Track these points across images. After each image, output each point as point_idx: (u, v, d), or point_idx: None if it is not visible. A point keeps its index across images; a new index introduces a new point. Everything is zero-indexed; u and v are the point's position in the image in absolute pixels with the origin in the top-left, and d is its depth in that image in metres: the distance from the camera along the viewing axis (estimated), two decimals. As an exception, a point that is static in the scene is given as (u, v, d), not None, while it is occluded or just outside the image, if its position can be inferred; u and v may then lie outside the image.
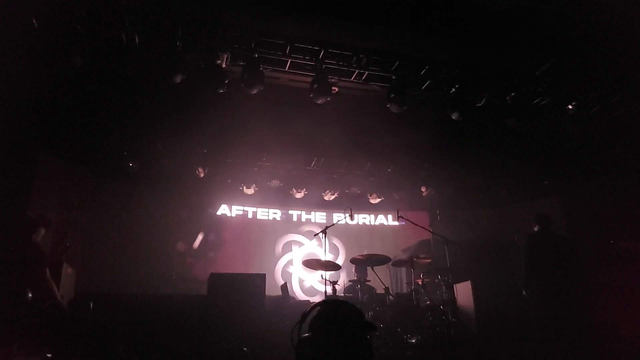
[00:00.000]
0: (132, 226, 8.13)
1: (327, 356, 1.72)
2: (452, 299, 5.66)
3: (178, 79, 5.43)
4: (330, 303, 1.99)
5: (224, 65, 5.67)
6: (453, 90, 6.28)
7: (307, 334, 1.81)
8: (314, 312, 1.87)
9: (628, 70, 5.88)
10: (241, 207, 9.83)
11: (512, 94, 6.43)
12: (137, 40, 5.25)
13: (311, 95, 5.88)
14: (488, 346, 5.02)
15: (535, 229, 6.02)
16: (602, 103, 6.59)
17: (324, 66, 5.85)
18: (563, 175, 8.32)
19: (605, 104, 6.60)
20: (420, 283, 5.86)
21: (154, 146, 7.67)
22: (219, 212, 9.61)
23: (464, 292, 5.93)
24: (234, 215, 9.76)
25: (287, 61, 5.84)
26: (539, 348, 4.92)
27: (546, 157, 7.95)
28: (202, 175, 8.17)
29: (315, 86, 5.83)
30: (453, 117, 6.33)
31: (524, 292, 5.78)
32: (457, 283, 5.95)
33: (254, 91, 5.66)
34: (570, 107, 6.58)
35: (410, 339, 5.25)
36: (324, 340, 1.75)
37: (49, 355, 3.85)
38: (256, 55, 5.61)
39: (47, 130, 6.61)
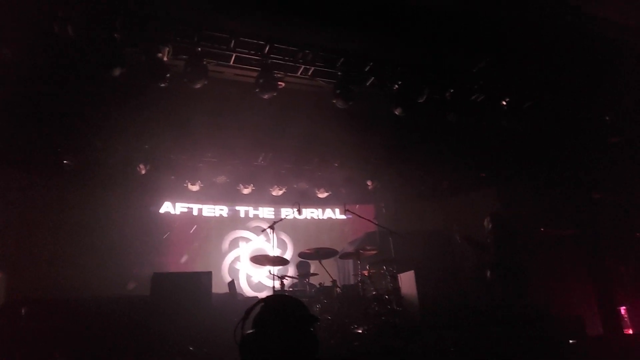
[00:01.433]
0: (69, 227, 7.69)
1: (271, 351, 1.74)
2: (397, 289, 5.87)
3: (117, 72, 5.19)
4: (274, 298, 2.00)
5: (165, 59, 5.48)
6: (396, 86, 6.46)
7: (250, 331, 1.81)
8: (258, 309, 1.87)
9: (557, 66, 6.31)
10: (186, 204, 9.58)
11: (451, 91, 6.71)
12: (70, 31, 4.96)
13: (257, 91, 5.83)
14: (431, 332, 5.25)
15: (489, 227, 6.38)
16: (533, 99, 7.03)
17: (269, 61, 5.81)
18: (498, 167, 8.81)
19: (536, 99, 7.06)
20: (366, 274, 6.02)
21: (91, 142, 7.28)
22: (162, 210, 9.31)
23: (407, 281, 6.15)
24: (178, 212, 9.49)
25: (232, 55, 5.74)
26: (477, 333, 5.20)
27: (483, 150, 8.38)
28: (143, 172, 7.87)
29: (261, 81, 5.79)
30: (396, 113, 6.52)
31: (488, 274, 6.08)
32: (401, 273, 6.17)
33: (198, 85, 5.53)
34: (504, 102, 6.97)
35: (357, 329, 5.39)
36: (268, 335, 1.76)
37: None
38: (199, 49, 5.47)
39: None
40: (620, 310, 6.54)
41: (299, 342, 1.76)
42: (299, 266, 6.67)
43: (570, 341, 5.47)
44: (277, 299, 2.02)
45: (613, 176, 7.79)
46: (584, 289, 7.36)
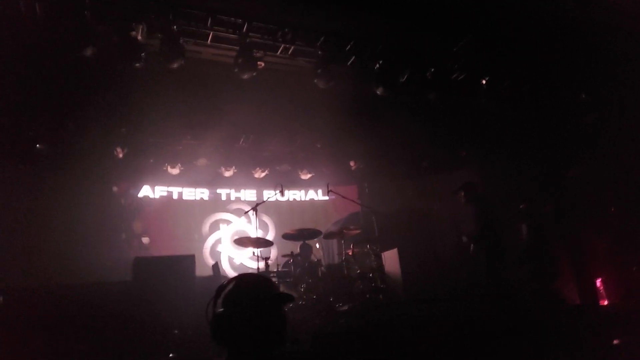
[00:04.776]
0: (46, 213, 7.47)
1: (240, 330, 1.73)
2: (381, 267, 5.95)
3: (88, 52, 5.01)
4: (244, 277, 1.97)
5: (139, 38, 5.30)
6: (377, 66, 6.42)
7: (221, 309, 1.79)
8: (229, 287, 1.85)
9: (535, 45, 6.34)
10: (165, 188, 9.40)
11: (432, 70, 6.70)
12: (38, 9, 4.74)
13: (236, 70, 5.72)
14: (414, 308, 5.34)
15: (460, 195, 6.43)
16: (511, 77, 7.08)
17: (248, 40, 5.69)
18: (479, 146, 8.90)
19: (514, 78, 7.11)
20: (350, 253, 6.07)
21: (65, 125, 7.05)
22: (140, 194, 9.13)
23: (391, 259, 6.22)
24: (157, 196, 9.33)
25: (209, 34, 5.59)
26: (460, 306, 5.31)
27: (463, 129, 8.44)
28: (121, 155, 7.69)
29: (240, 61, 5.68)
30: (377, 93, 6.49)
31: (471, 247, 6.17)
32: (384, 251, 6.24)
33: (174, 65, 5.38)
34: (483, 81, 7.00)
35: (342, 307, 5.45)
36: (237, 314, 1.75)
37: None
38: (175, 27, 5.31)
39: None
40: (595, 282, 6.76)
41: (268, 322, 1.76)
42: (302, 248, 6.61)
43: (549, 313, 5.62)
44: (248, 277, 2.00)
45: (589, 153, 7.96)
46: (563, 263, 7.57)
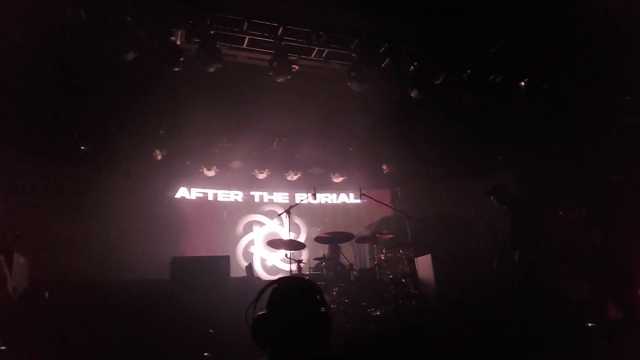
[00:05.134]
0: (88, 212, 7.80)
1: (283, 332, 1.72)
2: (414, 272, 5.85)
3: (130, 56, 5.19)
4: (286, 279, 1.98)
5: (178, 42, 5.46)
6: (412, 68, 6.35)
7: (262, 312, 1.79)
8: (270, 290, 1.85)
9: (577, 46, 6.13)
10: (201, 190, 9.63)
11: (468, 71, 6.57)
12: (83, 15, 4.96)
13: (271, 74, 5.78)
14: (448, 314, 5.23)
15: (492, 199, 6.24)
16: (551, 79, 6.86)
17: (283, 43, 5.74)
18: (516, 150, 8.66)
19: (553, 80, 6.89)
20: (382, 258, 6.01)
21: (107, 128, 7.34)
22: (177, 195, 9.38)
23: (424, 264, 6.11)
24: (193, 197, 9.56)
25: (245, 38, 5.69)
26: (495, 315, 5.16)
27: (500, 133, 8.23)
28: (159, 157, 7.92)
29: (274, 64, 5.73)
30: (412, 95, 6.41)
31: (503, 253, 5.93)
32: (417, 256, 6.14)
33: (211, 69, 5.50)
34: (522, 83, 6.81)
35: (374, 312, 5.40)
36: (280, 316, 1.75)
37: (2, 347, 3.69)
38: (212, 32, 5.43)
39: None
40: (638, 294, 6.43)
41: (311, 324, 1.74)
42: (330, 249, 6.63)
43: (590, 324, 5.39)
44: (291, 280, 2.00)
45: (631, 158, 7.61)
46: (604, 273, 7.25)
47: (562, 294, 6.06)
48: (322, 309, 1.81)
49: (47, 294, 4.67)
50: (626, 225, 7.03)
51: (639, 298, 6.55)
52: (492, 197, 6.24)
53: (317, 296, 1.84)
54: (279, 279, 1.95)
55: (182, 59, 5.39)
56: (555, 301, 5.61)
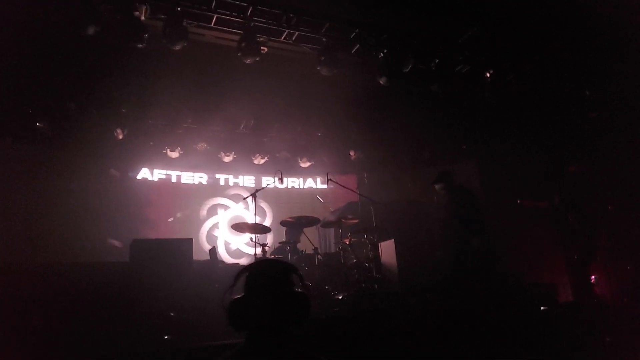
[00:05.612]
0: (45, 192, 7.46)
1: (261, 314, 1.73)
2: (377, 257, 5.96)
3: (91, 30, 4.95)
4: (263, 261, 1.98)
5: (142, 18, 5.25)
6: (381, 55, 6.37)
7: (239, 295, 1.79)
8: (247, 273, 1.85)
9: (541, 40, 6.30)
10: (164, 171, 9.38)
11: (436, 61, 6.65)
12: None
13: (239, 55, 5.67)
14: (409, 298, 5.38)
15: (437, 187, 6.37)
16: (515, 71, 7.04)
17: (252, 24, 5.63)
18: (480, 139, 8.89)
19: (518, 72, 7.07)
20: (347, 243, 6.08)
21: (65, 105, 7.01)
22: (139, 177, 9.11)
23: (388, 250, 6.24)
24: (156, 179, 9.31)
25: (213, 17, 5.54)
26: (453, 299, 5.35)
27: (465, 122, 8.42)
28: (120, 136, 7.65)
29: (243, 45, 5.62)
30: (381, 82, 6.45)
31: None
32: (381, 242, 6.26)
33: (177, 47, 5.34)
34: (487, 75, 6.96)
35: (338, 295, 5.48)
36: (257, 298, 1.75)
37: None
38: (179, 9, 5.25)
39: None
40: (591, 279, 6.81)
41: (289, 304, 1.76)
42: (288, 233, 6.67)
43: (542, 308, 5.68)
44: (267, 262, 2.00)
45: (590, 150, 7.96)
46: (557, 259, 7.62)
47: (517, 278, 6.33)
48: (299, 290, 1.82)
49: (-2, 277, 4.47)
50: (583, 215, 7.35)
51: (590, 283, 6.92)
52: (439, 185, 6.37)
53: (294, 276, 1.85)
54: (254, 262, 1.95)
55: (146, 36, 5.19)
56: (511, 286, 5.86)
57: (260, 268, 1.88)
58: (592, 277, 6.79)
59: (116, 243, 7.37)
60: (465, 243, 5.94)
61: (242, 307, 1.75)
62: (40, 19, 5.15)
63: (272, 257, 6.14)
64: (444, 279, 5.78)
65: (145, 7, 5.19)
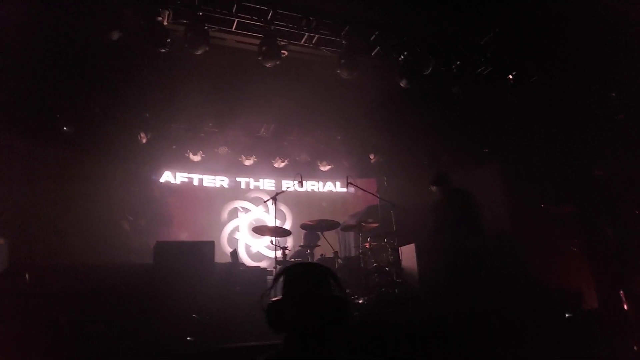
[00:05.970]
0: (70, 194, 7.63)
1: (301, 315, 1.74)
2: (397, 261, 5.91)
3: (115, 35, 5.07)
4: (303, 265, 1.98)
5: (165, 23, 5.34)
6: (401, 57, 6.33)
7: (278, 297, 1.81)
8: (286, 275, 1.86)
9: (565, 41, 6.17)
10: (186, 174, 9.52)
11: (458, 63, 6.57)
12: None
13: (260, 58, 5.71)
14: (430, 302, 5.31)
15: (434, 189, 6.18)
16: (539, 73, 6.91)
17: (272, 27, 5.66)
18: (502, 142, 8.73)
19: (541, 74, 6.94)
20: (367, 246, 6.04)
21: (91, 109, 7.18)
22: (162, 180, 9.26)
23: (408, 254, 6.18)
24: (178, 182, 9.46)
25: (234, 21, 5.59)
26: (474, 303, 5.25)
27: (486, 125, 8.29)
28: (144, 140, 7.79)
29: (263, 49, 5.66)
30: (401, 85, 6.40)
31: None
32: (402, 246, 6.20)
33: (199, 52, 5.41)
34: (510, 77, 6.85)
35: (358, 299, 5.45)
36: (296, 301, 1.76)
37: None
38: (200, 13, 5.33)
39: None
40: (617, 287, 6.59)
41: (326, 308, 1.77)
42: (306, 236, 6.69)
43: (567, 315, 5.54)
44: (305, 265, 2.01)
45: (615, 154, 7.73)
46: (582, 265, 7.42)
47: (542, 284, 6.19)
48: (338, 293, 1.83)
49: (27, 276, 4.59)
50: (608, 221, 7.16)
51: (616, 291, 6.71)
52: (437, 187, 6.19)
53: (332, 280, 1.85)
54: (293, 264, 1.97)
55: (168, 40, 5.28)
56: (535, 291, 5.73)
57: (298, 271, 1.89)
58: (619, 284, 6.58)
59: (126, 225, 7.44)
60: (462, 245, 5.71)
61: (281, 309, 1.77)
62: (67, 24, 5.28)
63: (289, 261, 6.14)
64: (460, 282, 5.67)
65: (167, 12, 5.27)
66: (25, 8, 4.85)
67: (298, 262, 2.10)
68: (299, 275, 1.85)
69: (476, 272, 5.76)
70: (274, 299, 1.81)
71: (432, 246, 5.97)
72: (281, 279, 1.86)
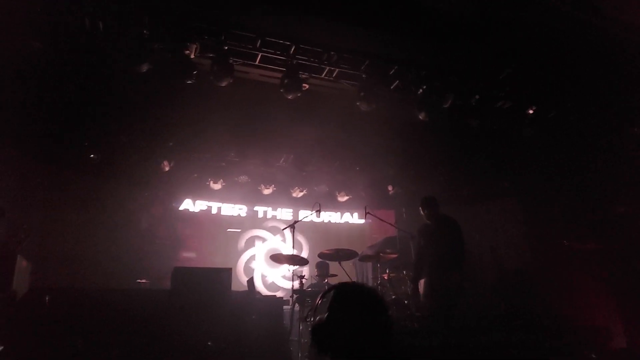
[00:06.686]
0: (92, 220, 7.83)
1: (346, 336, 1.73)
2: (416, 294, 5.79)
3: (144, 68, 5.29)
4: (350, 286, 1.97)
5: (192, 56, 5.57)
6: (420, 91, 6.42)
7: (323, 318, 1.80)
8: (330, 295, 1.86)
9: (586, 76, 6.19)
10: (206, 202, 9.66)
11: (476, 97, 6.63)
12: (101, 26, 5.09)
13: (282, 91, 5.87)
14: (449, 338, 5.17)
15: (423, 213, 5.97)
16: (559, 108, 6.90)
17: (294, 61, 5.84)
18: (522, 177, 8.65)
19: (561, 109, 6.93)
20: (386, 278, 5.97)
21: (117, 138, 7.43)
22: (181, 207, 9.41)
23: (427, 287, 6.05)
24: (197, 210, 9.58)
25: (258, 55, 5.79)
26: (499, 339, 5.09)
27: (506, 159, 8.25)
28: (167, 169, 7.98)
29: (285, 81, 5.82)
30: (420, 118, 6.47)
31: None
32: (421, 278, 6.09)
33: (223, 84, 5.59)
34: (530, 111, 6.85)
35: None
36: (342, 323, 1.75)
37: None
38: (226, 48, 5.54)
39: (0, 120, 6.28)
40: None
41: (372, 331, 1.75)
42: (318, 266, 6.66)
43: (593, 355, 5.32)
44: (352, 287, 1.99)
45: (637, 190, 7.57)
46: (608, 302, 7.16)
47: (566, 320, 5.99)
48: (384, 317, 1.81)
49: (47, 299, 4.66)
50: (633, 257, 6.95)
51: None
52: (424, 209, 5.97)
53: (379, 304, 1.83)
54: (339, 284, 1.95)
55: (195, 73, 5.49)
56: (560, 328, 5.54)
57: (344, 292, 1.87)
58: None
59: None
60: (443, 276, 5.47)
61: (325, 330, 1.75)
62: (99, 56, 5.55)
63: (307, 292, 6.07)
64: (489, 318, 5.52)
65: (195, 46, 5.51)
66: (59, 40, 5.12)
67: (346, 282, 2.07)
68: (344, 296, 1.83)
69: (453, 306, 5.49)
70: (319, 321, 1.79)
71: (414, 275, 5.74)
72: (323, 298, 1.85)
